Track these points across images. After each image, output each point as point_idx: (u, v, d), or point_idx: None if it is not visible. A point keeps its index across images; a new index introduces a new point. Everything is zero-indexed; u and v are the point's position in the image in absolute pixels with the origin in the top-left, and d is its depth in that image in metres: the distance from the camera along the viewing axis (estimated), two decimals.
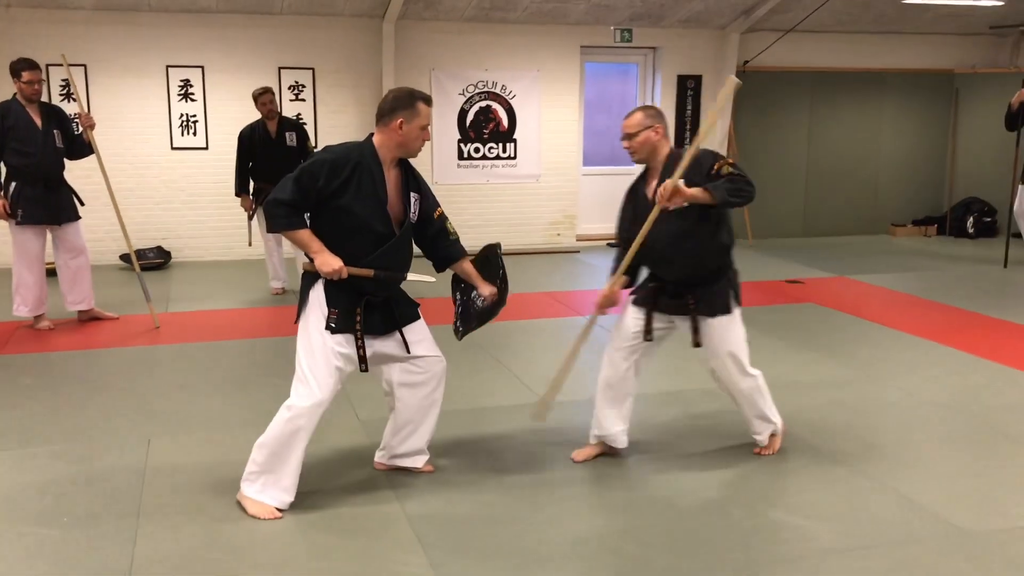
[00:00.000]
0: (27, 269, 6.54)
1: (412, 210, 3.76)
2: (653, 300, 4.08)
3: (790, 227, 11.41)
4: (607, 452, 4.28)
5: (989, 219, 11.35)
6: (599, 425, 4.21)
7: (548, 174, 10.49)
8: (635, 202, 4.11)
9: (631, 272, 4.14)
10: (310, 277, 3.70)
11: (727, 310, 4.01)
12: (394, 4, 9.10)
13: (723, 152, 10.83)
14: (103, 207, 7.69)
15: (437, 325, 4.20)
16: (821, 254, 9.87)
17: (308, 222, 3.63)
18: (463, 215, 10.18)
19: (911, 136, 11.72)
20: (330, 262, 3.59)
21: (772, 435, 4.28)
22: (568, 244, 10.60)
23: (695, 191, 3.72)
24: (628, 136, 3.97)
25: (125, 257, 8.96)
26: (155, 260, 9.26)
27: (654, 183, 3.97)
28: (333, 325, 3.62)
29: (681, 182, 3.71)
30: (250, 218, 8.05)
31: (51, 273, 6.88)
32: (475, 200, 10.36)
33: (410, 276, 3.79)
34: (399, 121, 3.61)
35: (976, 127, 11.54)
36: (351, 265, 3.62)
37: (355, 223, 3.61)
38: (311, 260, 3.65)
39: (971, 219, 11.35)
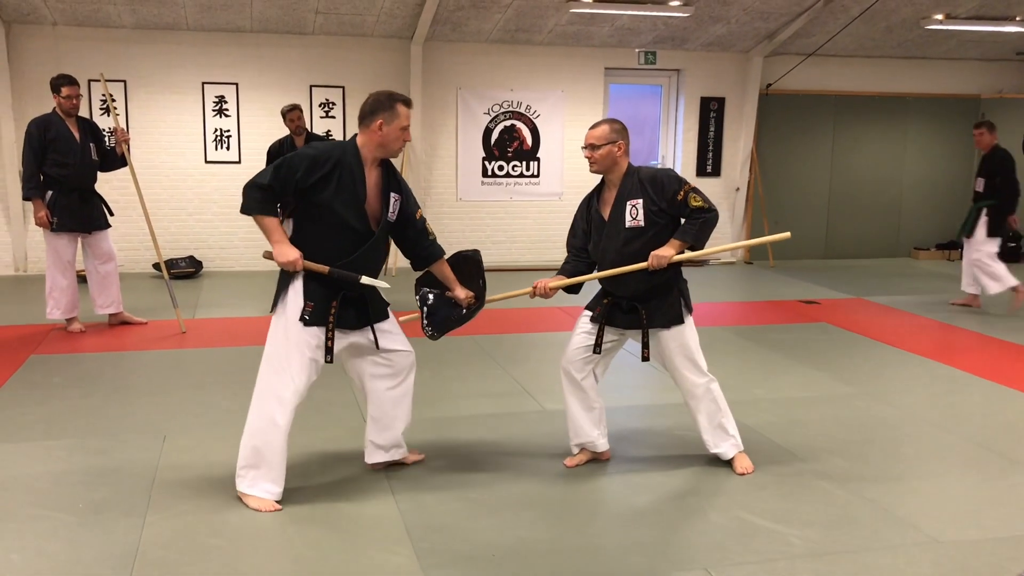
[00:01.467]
0: (60, 274, 6.87)
1: (391, 209, 3.92)
2: (607, 315, 4.24)
3: (812, 249, 11.48)
4: (595, 458, 4.44)
5: (1014, 244, 11.33)
6: (576, 433, 4.37)
7: (570, 192, 10.68)
8: (591, 215, 4.26)
9: (575, 287, 4.33)
10: (285, 271, 3.84)
11: (680, 320, 4.18)
12: (422, 26, 9.38)
13: (745, 174, 11.01)
14: (138, 217, 8.02)
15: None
16: (841, 276, 9.94)
17: (279, 212, 3.81)
18: (486, 231, 10.43)
19: (935, 160, 11.77)
20: (287, 253, 3.75)
21: (739, 452, 4.36)
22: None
23: (675, 251, 4.04)
24: (591, 147, 4.13)
25: (157, 266, 9.30)
26: (187, 269, 9.58)
27: (611, 194, 4.17)
28: (307, 317, 3.79)
29: (672, 253, 4.01)
30: None
31: (82, 279, 7.20)
32: (498, 217, 10.59)
33: (364, 279, 3.87)
34: (379, 122, 3.79)
35: None
36: (324, 263, 3.77)
37: (334, 220, 3.78)
38: (270, 249, 3.81)
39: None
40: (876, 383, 5.93)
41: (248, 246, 9.92)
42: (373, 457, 4.24)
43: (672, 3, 9.34)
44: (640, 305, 4.16)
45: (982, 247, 8.21)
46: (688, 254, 4.12)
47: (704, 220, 4.04)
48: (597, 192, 4.29)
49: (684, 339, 4.19)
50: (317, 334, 3.82)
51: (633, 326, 4.21)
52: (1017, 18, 10.16)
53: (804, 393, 5.70)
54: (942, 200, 11.87)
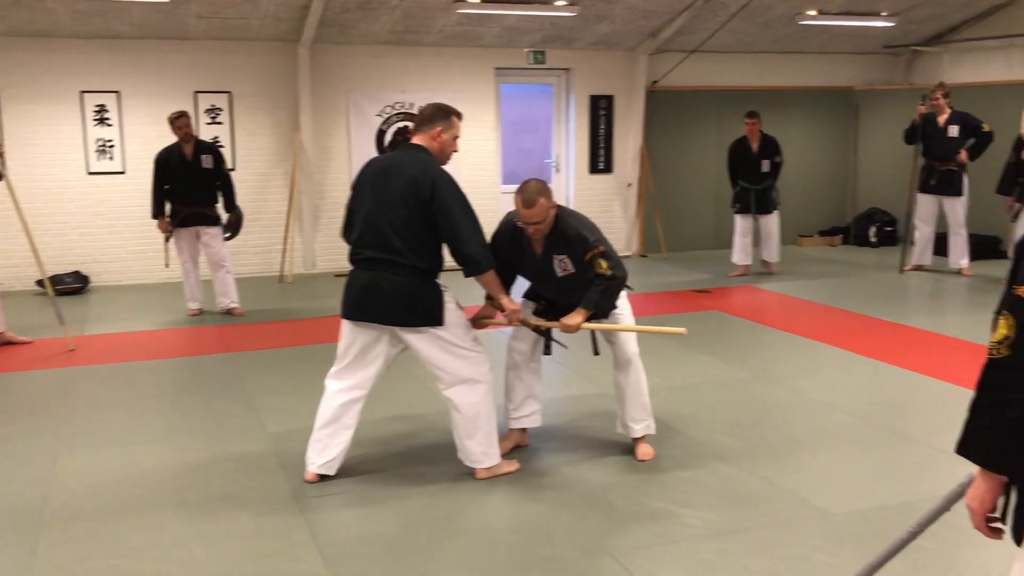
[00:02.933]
0: None
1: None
2: (545, 313, 4.41)
3: (702, 240, 11.80)
4: (520, 443, 4.62)
5: (890, 228, 11.89)
6: (516, 408, 4.57)
7: (467, 193, 10.67)
8: (519, 250, 4.31)
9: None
10: (430, 285, 4.04)
11: (613, 307, 4.35)
12: (308, 29, 9.27)
13: (636, 170, 11.24)
14: (17, 232, 7.69)
15: None
16: (731, 265, 10.25)
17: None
18: None
19: (815, 150, 12.24)
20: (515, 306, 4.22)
21: (643, 437, 4.50)
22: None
23: (580, 319, 4.20)
24: (535, 224, 4.10)
25: (41, 282, 8.94)
26: (73, 285, 9.25)
27: (539, 245, 4.25)
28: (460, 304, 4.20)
29: (580, 320, 4.19)
30: (167, 240, 8.11)
31: None
32: None
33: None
34: (439, 130, 4.06)
35: (876, 141, 12.12)
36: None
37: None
38: (497, 301, 4.19)
39: (873, 229, 11.88)
40: (768, 367, 6.16)
41: (136, 259, 9.62)
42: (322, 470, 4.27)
43: (558, 3, 9.47)
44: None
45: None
46: (594, 325, 4.28)
47: (605, 288, 4.16)
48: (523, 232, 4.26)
49: (624, 312, 4.42)
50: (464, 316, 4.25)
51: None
52: (883, 13, 10.67)
53: (700, 379, 5.87)
54: (822, 188, 12.36)
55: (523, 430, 4.64)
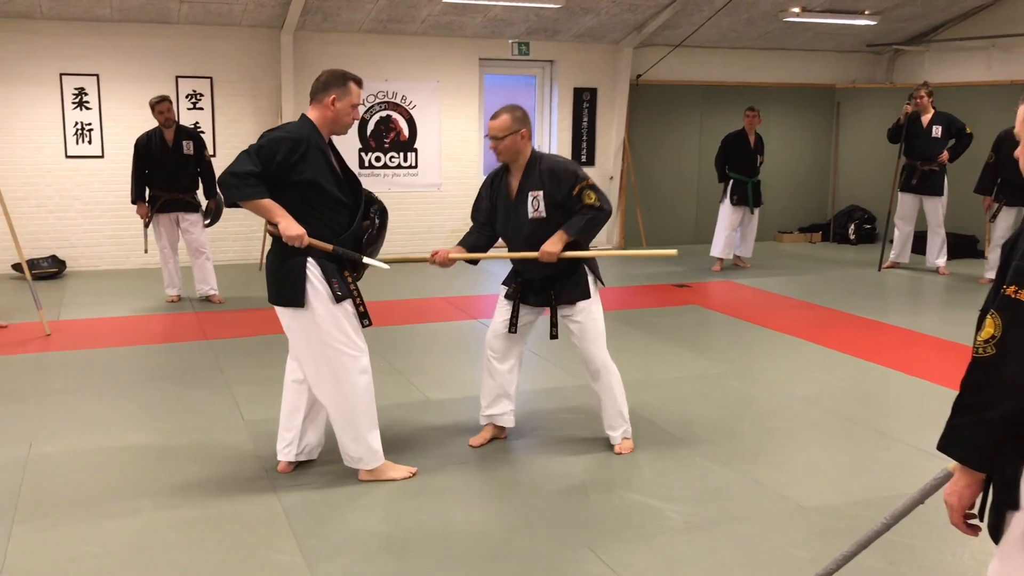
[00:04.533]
0: None
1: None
2: (520, 295, 4.37)
3: (683, 234, 11.83)
4: (496, 436, 4.59)
5: (869, 226, 11.98)
6: (489, 404, 4.53)
7: (449, 183, 10.70)
8: (496, 194, 4.36)
9: (474, 261, 4.47)
10: (292, 262, 3.81)
11: (587, 295, 4.30)
12: (291, 15, 9.20)
13: (618, 163, 11.25)
14: None
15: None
16: (711, 260, 10.29)
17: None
18: None
19: (796, 147, 12.30)
20: (293, 227, 3.76)
21: (625, 437, 4.49)
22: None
23: (561, 244, 4.11)
24: (494, 138, 4.19)
25: (17, 266, 8.85)
26: (49, 269, 9.16)
27: (515, 180, 4.26)
28: (339, 293, 3.85)
29: (559, 248, 4.10)
30: (146, 226, 8.04)
31: None
32: None
33: (365, 260, 3.98)
34: (332, 98, 3.87)
35: (857, 139, 12.19)
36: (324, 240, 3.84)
37: (324, 197, 3.84)
38: (275, 226, 3.79)
39: (853, 226, 11.96)
40: (746, 362, 6.19)
41: (114, 244, 9.54)
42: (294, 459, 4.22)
43: None
44: (549, 286, 4.28)
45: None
46: (575, 253, 4.20)
47: (591, 217, 4.14)
48: (504, 171, 4.34)
49: (593, 314, 4.31)
50: (348, 304, 3.91)
51: (543, 303, 4.35)
52: (866, 12, 10.71)
53: (678, 374, 5.89)
54: (803, 184, 12.42)
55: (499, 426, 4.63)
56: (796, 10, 10.36)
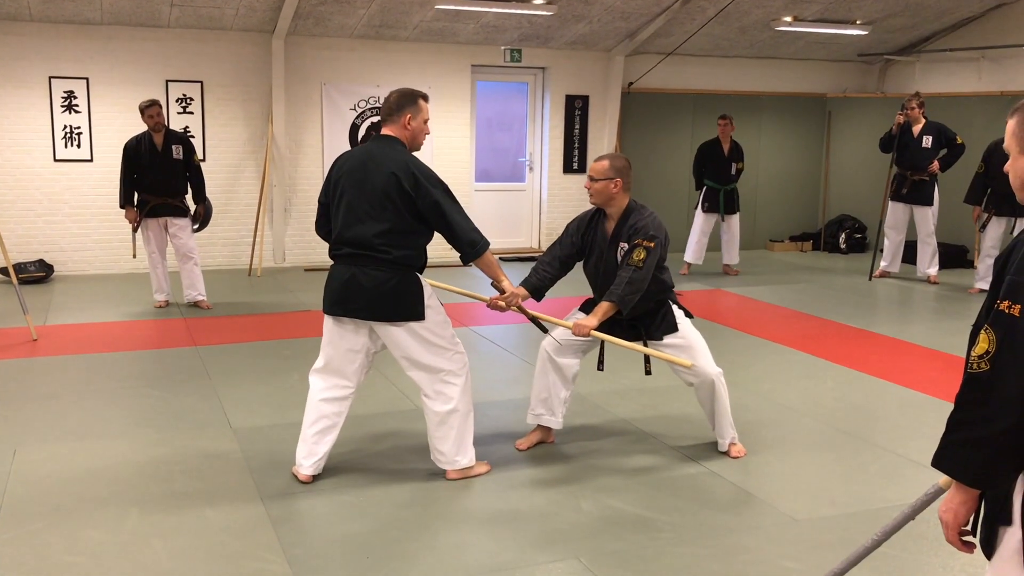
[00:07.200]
0: None
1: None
2: (607, 328, 4.31)
3: (673, 243, 11.66)
4: (543, 440, 4.66)
5: (860, 235, 11.99)
6: (544, 407, 4.56)
7: None
8: (589, 235, 4.44)
9: (539, 293, 4.48)
10: (408, 278, 3.96)
11: (674, 328, 4.37)
12: (283, 20, 9.17)
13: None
14: None
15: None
16: (701, 268, 10.28)
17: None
18: None
19: (787, 156, 12.32)
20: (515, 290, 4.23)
21: (732, 443, 4.57)
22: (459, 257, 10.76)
23: (597, 321, 4.20)
24: (591, 179, 4.30)
25: (5, 270, 8.78)
26: (36, 273, 9.09)
27: (610, 227, 4.37)
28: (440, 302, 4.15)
29: (595, 323, 4.18)
30: (135, 230, 8.00)
31: None
32: None
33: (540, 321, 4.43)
34: (407, 117, 3.96)
35: (848, 148, 12.22)
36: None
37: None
38: (497, 284, 4.17)
39: (843, 235, 11.98)
40: (736, 371, 6.16)
41: (102, 248, 9.48)
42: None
43: (536, 1, 9.45)
44: (637, 323, 4.35)
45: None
46: (605, 336, 4.23)
47: (629, 279, 4.16)
48: (603, 215, 4.41)
49: (688, 338, 4.38)
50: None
51: (632, 338, 4.37)
52: (858, 21, 10.75)
53: (670, 383, 5.86)
54: (794, 194, 12.44)
55: (547, 428, 4.63)
56: (788, 19, 10.39)
